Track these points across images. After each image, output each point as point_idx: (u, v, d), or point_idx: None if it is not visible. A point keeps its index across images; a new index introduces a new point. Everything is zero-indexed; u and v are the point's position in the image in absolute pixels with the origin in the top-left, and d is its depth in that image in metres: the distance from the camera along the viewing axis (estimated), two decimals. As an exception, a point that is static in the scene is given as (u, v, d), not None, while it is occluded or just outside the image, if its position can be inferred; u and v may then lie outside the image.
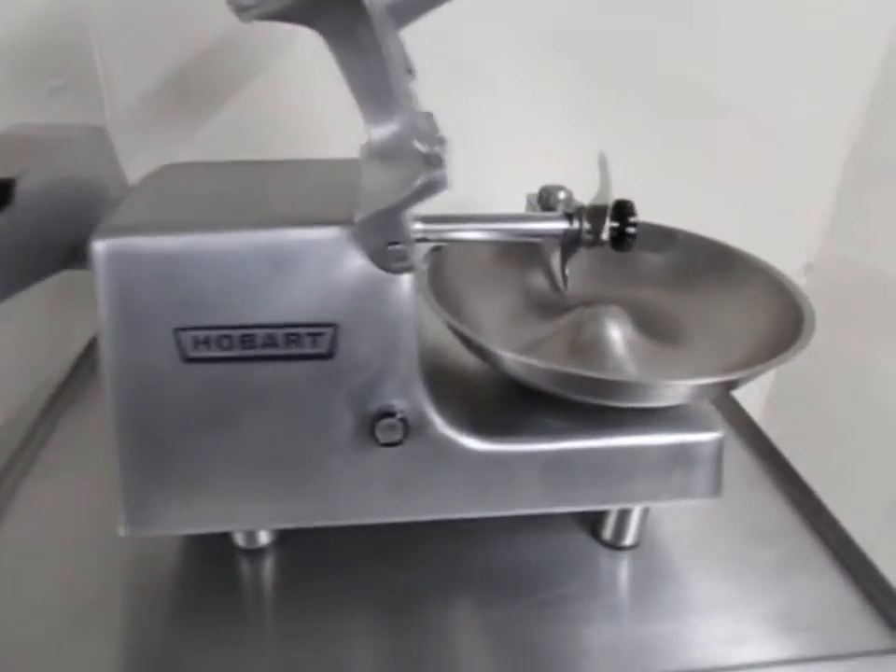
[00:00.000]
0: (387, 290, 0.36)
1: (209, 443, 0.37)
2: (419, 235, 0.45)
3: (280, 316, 0.35)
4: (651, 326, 0.46)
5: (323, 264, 0.35)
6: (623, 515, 0.44)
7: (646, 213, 0.66)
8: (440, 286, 0.42)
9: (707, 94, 0.67)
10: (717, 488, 0.41)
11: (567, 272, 0.49)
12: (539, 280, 0.50)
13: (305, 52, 0.60)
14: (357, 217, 0.34)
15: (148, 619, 0.41)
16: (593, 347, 0.43)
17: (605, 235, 0.45)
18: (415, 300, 0.37)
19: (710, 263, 0.48)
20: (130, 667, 0.38)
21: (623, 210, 0.46)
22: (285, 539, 0.45)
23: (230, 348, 0.36)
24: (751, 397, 0.82)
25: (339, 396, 0.37)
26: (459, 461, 0.39)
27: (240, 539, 0.44)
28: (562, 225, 0.46)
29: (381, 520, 0.40)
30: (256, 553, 0.44)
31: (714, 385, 0.38)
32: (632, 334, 0.45)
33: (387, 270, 0.35)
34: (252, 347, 0.36)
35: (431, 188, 0.33)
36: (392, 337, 0.36)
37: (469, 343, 0.38)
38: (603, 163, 0.46)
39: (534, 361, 0.37)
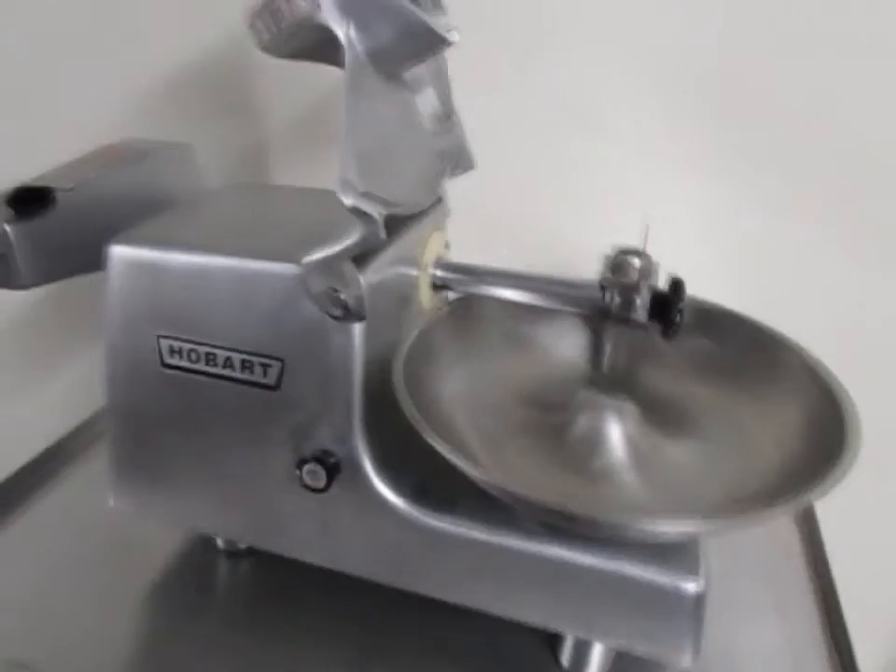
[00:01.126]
0: (332, 337, 0.35)
1: (177, 444, 0.40)
2: (438, 282, 0.44)
3: (238, 342, 0.37)
4: (672, 423, 0.39)
5: (276, 299, 0.35)
6: (583, 642, 0.38)
7: (770, 295, 0.56)
8: (433, 344, 0.40)
9: (874, 148, 0.54)
10: (690, 649, 0.33)
11: (608, 347, 0.44)
12: (573, 348, 0.45)
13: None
14: (304, 260, 0.34)
15: (116, 602, 0.43)
16: (585, 445, 0.38)
17: (641, 316, 0.40)
18: (363, 350, 0.35)
19: (759, 357, 0.40)
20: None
21: (672, 292, 0.40)
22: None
23: (196, 362, 0.38)
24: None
25: (282, 429, 0.37)
26: (386, 523, 0.36)
27: (219, 541, 0.46)
28: (592, 296, 0.41)
29: (311, 560, 0.39)
30: (234, 556, 0.46)
31: (702, 530, 0.31)
32: (639, 433, 0.38)
33: (331, 316, 0.34)
34: (214, 366, 0.38)
35: (364, 243, 0.31)
36: (332, 384, 0.36)
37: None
38: (644, 235, 0.40)
39: (476, 472, 0.31)
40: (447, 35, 0.32)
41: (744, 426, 0.39)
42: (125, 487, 0.42)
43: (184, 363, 0.38)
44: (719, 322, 0.43)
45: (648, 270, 0.48)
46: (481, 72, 0.59)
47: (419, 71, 0.40)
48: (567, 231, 0.63)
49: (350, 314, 0.34)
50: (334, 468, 0.36)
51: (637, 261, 0.47)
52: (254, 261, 0.36)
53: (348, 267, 0.33)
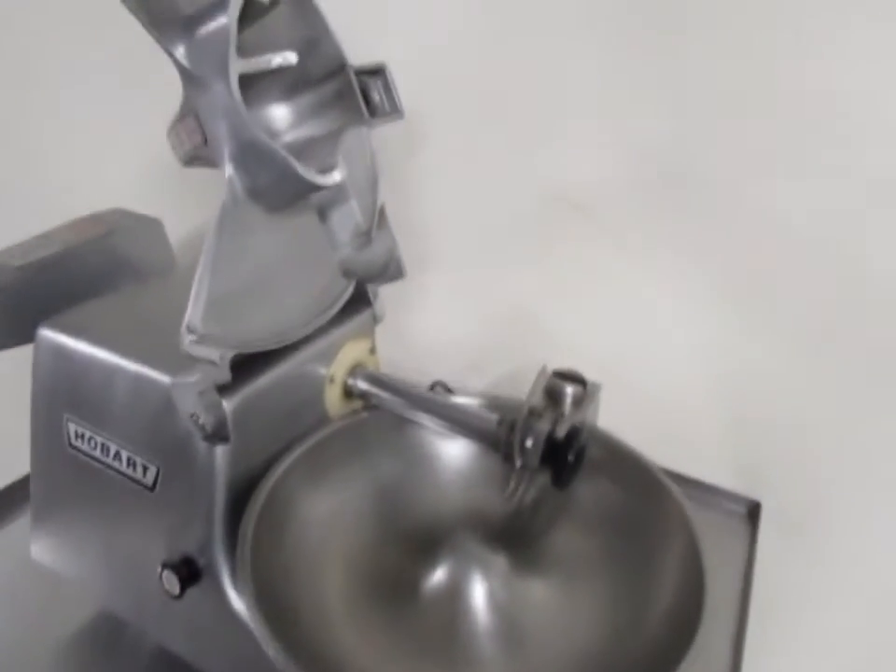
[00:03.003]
0: (199, 453, 0.36)
1: (81, 516, 0.43)
2: (354, 391, 0.44)
3: (126, 439, 0.38)
4: (549, 580, 0.38)
5: (157, 405, 0.37)
6: None
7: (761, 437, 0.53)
8: (319, 461, 0.39)
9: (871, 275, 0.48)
10: None
11: (513, 481, 0.42)
12: (480, 477, 0.44)
13: (431, 160, 0.61)
14: (173, 379, 0.35)
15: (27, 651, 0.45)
16: (442, 605, 0.36)
17: (532, 459, 0.38)
18: (227, 469, 0.36)
19: (651, 510, 0.38)
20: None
21: (566, 442, 0.38)
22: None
23: (94, 449, 0.40)
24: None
25: (157, 529, 0.39)
26: (239, 635, 0.37)
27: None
28: (490, 430, 0.40)
29: (179, 653, 0.40)
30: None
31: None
32: (504, 594, 0.36)
33: (198, 435, 0.35)
34: (107, 456, 0.39)
35: (215, 379, 0.32)
36: (197, 497, 0.36)
37: None
38: (541, 375, 0.38)
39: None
40: (320, 181, 0.32)
41: (621, 588, 0.36)
42: (42, 543, 0.45)
43: (84, 448, 0.40)
44: (624, 465, 0.40)
45: (580, 398, 0.46)
46: (476, 159, 0.59)
47: (344, 185, 0.41)
48: (543, 314, 0.62)
49: (211, 436, 0.35)
50: (195, 575, 0.37)
51: (570, 388, 0.46)
52: (141, 365, 0.37)
53: (209, 392, 0.34)
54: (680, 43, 0.49)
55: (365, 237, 0.41)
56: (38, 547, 0.45)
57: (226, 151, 0.33)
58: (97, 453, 0.40)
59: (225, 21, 0.31)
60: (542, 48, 0.53)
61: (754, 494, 0.59)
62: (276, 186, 0.33)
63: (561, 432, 0.38)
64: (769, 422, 0.56)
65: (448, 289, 0.66)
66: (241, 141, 0.32)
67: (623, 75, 0.51)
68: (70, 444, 0.41)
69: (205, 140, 0.33)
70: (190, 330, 0.30)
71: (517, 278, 0.62)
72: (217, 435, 0.35)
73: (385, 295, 0.47)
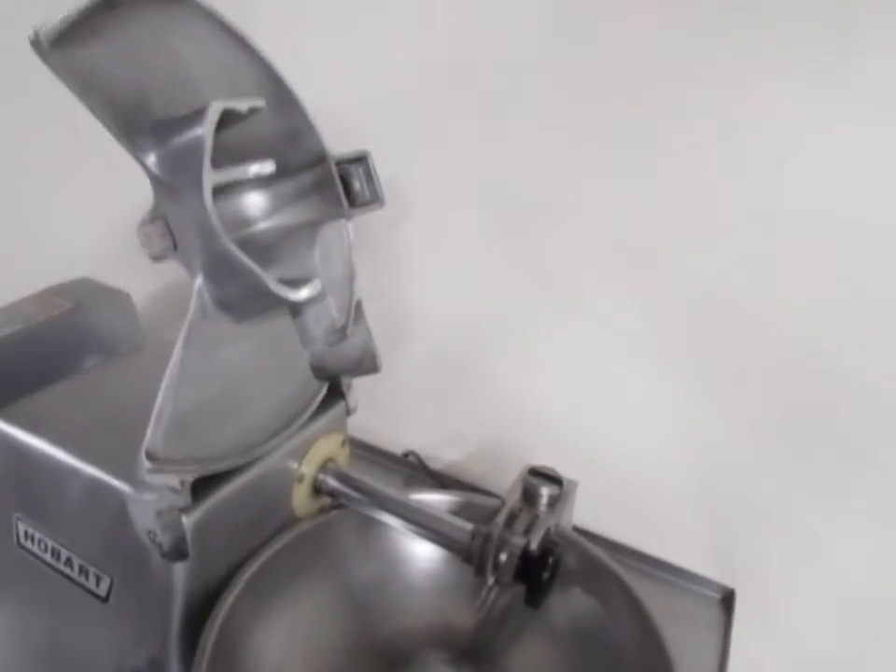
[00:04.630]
0: (156, 568, 0.34)
1: (29, 615, 0.40)
2: (324, 488, 0.42)
3: (79, 546, 0.36)
4: None
5: (114, 513, 0.35)
6: None
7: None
8: (282, 568, 0.37)
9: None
10: None
11: (484, 591, 0.41)
12: (457, 586, 0.42)
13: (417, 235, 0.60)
14: (130, 494, 0.33)
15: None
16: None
17: (506, 575, 0.37)
18: (185, 586, 0.34)
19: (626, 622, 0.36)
20: None
21: (541, 560, 0.36)
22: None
23: (44, 552, 0.38)
24: None
25: (108, 642, 0.36)
26: None
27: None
28: (462, 541, 0.38)
29: None
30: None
31: None
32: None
33: (155, 552, 0.33)
34: (58, 561, 0.37)
35: (165, 501, 0.31)
36: (152, 614, 0.34)
37: None
38: (520, 477, 0.37)
39: None
40: (293, 297, 0.31)
41: None
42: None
43: (34, 550, 0.38)
44: (597, 575, 0.39)
45: (556, 499, 0.45)
46: (461, 235, 0.58)
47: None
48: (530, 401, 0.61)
49: (169, 554, 0.33)
50: (144, 696, 0.35)
51: (545, 489, 0.44)
52: (98, 469, 0.35)
53: (169, 510, 0.32)
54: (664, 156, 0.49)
55: (340, 333, 0.40)
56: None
57: (196, 261, 0.31)
58: (47, 556, 0.38)
59: (200, 132, 0.29)
60: (533, 134, 0.53)
61: (729, 581, 0.58)
62: (248, 299, 0.31)
63: (534, 543, 0.37)
64: (745, 511, 0.56)
65: (426, 359, 0.65)
66: (212, 253, 0.31)
67: (605, 165, 0.51)
68: (19, 544, 0.39)
69: (175, 246, 0.32)
70: (149, 456, 0.29)
71: (496, 355, 0.61)
72: (176, 552, 0.33)
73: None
